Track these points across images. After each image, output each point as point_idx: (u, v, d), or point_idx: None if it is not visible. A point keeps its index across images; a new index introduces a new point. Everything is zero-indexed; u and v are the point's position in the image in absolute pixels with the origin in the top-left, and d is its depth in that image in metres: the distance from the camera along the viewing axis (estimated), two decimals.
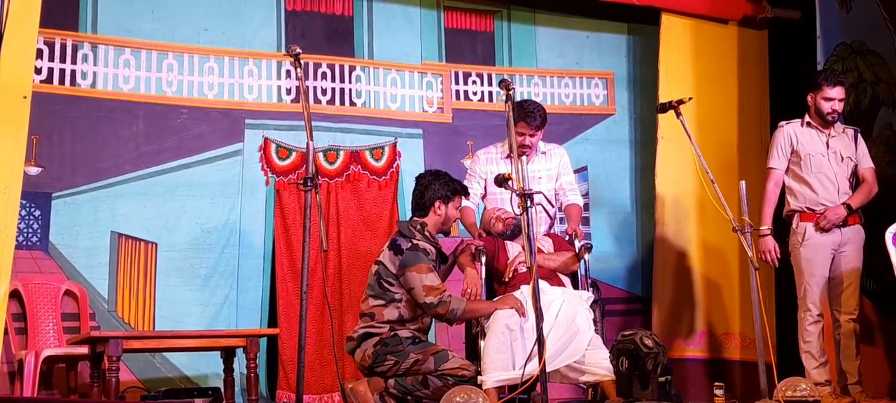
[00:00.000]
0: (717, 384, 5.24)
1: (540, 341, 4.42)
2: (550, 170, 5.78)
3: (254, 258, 6.49)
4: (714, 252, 7.03)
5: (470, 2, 7.30)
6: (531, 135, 5.59)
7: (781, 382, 4.81)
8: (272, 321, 6.41)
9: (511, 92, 4.81)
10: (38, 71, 5.95)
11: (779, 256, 5.80)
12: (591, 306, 5.22)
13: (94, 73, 6.27)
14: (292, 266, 6.43)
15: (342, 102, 6.84)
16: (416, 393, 4.86)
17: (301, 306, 4.56)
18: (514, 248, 5.51)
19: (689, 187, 6.96)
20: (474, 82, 7.22)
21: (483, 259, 5.39)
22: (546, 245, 5.58)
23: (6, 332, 5.33)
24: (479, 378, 4.86)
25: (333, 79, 6.84)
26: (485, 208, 5.75)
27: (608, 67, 7.58)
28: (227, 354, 5.62)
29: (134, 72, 6.36)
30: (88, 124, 6.22)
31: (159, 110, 6.39)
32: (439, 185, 5.20)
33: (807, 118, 5.83)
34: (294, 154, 6.63)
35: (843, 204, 5.67)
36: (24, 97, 5.17)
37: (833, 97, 5.71)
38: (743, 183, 5.50)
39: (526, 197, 4.54)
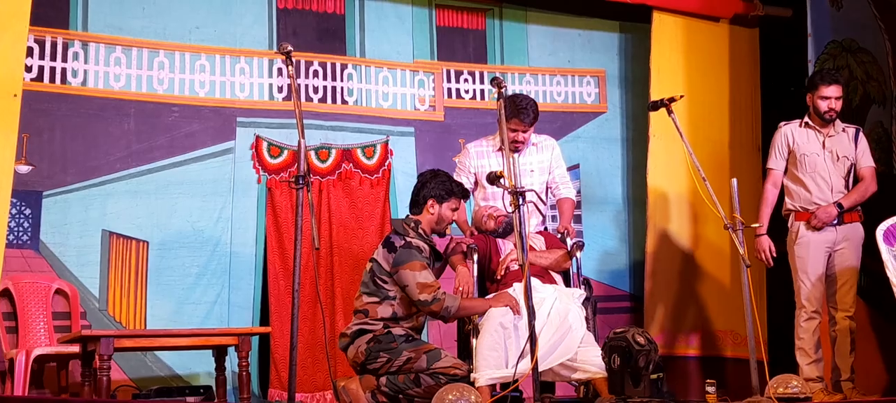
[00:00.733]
0: (708, 381, 5.24)
1: (532, 339, 4.42)
2: (542, 162, 5.77)
3: (245, 256, 6.47)
4: (706, 249, 7.05)
5: (462, 0, 7.30)
6: (524, 132, 5.58)
7: (773, 379, 4.82)
8: (264, 319, 6.40)
9: (503, 89, 4.80)
10: (28, 69, 5.92)
11: (774, 255, 5.86)
12: (583, 304, 5.22)
13: (85, 71, 6.25)
14: (284, 264, 6.43)
15: (334, 100, 6.84)
16: (408, 391, 4.85)
17: (293, 304, 4.56)
18: (506, 246, 5.51)
19: (681, 185, 6.97)
20: (466, 80, 7.21)
21: (475, 257, 5.39)
22: (538, 243, 5.58)
23: None
24: (472, 375, 4.86)
25: (325, 78, 6.83)
26: (476, 205, 5.75)
27: (600, 65, 7.59)
28: (219, 353, 5.61)
29: (125, 70, 6.34)
30: (79, 122, 6.19)
31: (150, 108, 6.37)
32: (435, 184, 5.19)
33: (806, 118, 5.89)
34: (286, 152, 6.62)
35: (835, 203, 5.72)
36: (15, 95, 5.16)
37: (829, 96, 5.75)
38: (734, 180, 5.51)
39: (518, 194, 4.54)
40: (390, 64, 7.03)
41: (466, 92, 7.21)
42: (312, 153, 6.65)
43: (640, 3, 7.18)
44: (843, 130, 5.87)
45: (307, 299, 6.35)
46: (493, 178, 4.78)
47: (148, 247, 6.27)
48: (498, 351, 4.87)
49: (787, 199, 5.91)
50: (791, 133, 5.88)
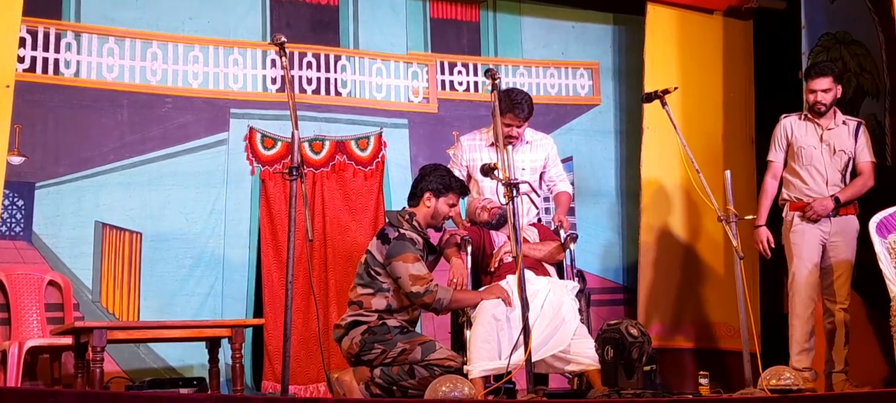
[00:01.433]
0: (701, 373, 5.25)
1: (525, 331, 4.43)
2: (535, 161, 5.77)
3: (239, 248, 6.46)
4: (699, 241, 7.05)
5: None
6: (519, 127, 5.58)
7: (766, 371, 4.83)
8: (257, 311, 6.39)
9: (497, 81, 4.80)
10: (20, 60, 5.91)
11: (772, 246, 5.90)
12: (577, 296, 5.23)
13: (78, 62, 6.23)
14: (278, 256, 6.42)
15: (327, 92, 6.82)
16: (402, 383, 4.85)
17: (286, 296, 4.56)
18: (499, 238, 5.51)
19: (675, 177, 6.97)
20: (460, 72, 7.21)
21: (468, 249, 5.39)
22: (532, 235, 5.59)
23: None
24: (466, 367, 4.86)
25: (319, 69, 6.82)
26: (470, 197, 5.75)
27: (593, 57, 7.59)
28: (213, 344, 5.60)
29: (118, 60, 6.32)
30: (72, 113, 6.17)
31: (143, 99, 6.36)
32: (434, 178, 5.19)
33: (806, 111, 5.90)
34: (279, 143, 6.61)
35: (832, 196, 5.74)
36: (7, 86, 5.14)
37: (815, 89, 5.80)
38: (728, 172, 5.52)
39: (512, 186, 4.54)
40: (384, 55, 7.02)
41: (460, 84, 7.20)
42: (306, 145, 6.64)
43: None
44: (844, 123, 5.88)
45: (301, 291, 6.34)
46: (488, 170, 4.78)
47: (141, 239, 6.26)
48: (491, 343, 4.87)
49: (783, 190, 5.95)
50: (790, 125, 5.92)
